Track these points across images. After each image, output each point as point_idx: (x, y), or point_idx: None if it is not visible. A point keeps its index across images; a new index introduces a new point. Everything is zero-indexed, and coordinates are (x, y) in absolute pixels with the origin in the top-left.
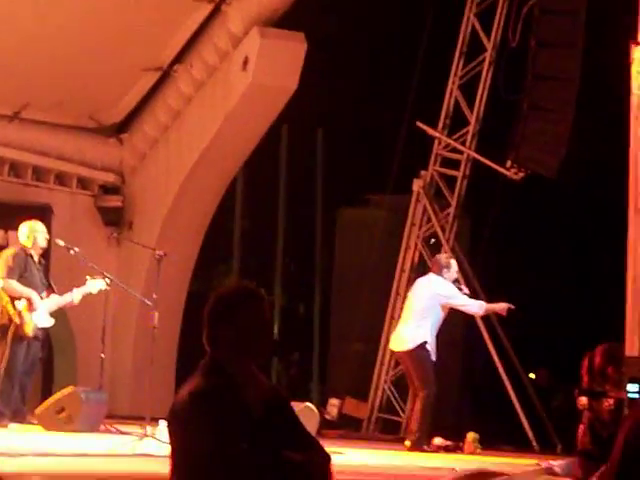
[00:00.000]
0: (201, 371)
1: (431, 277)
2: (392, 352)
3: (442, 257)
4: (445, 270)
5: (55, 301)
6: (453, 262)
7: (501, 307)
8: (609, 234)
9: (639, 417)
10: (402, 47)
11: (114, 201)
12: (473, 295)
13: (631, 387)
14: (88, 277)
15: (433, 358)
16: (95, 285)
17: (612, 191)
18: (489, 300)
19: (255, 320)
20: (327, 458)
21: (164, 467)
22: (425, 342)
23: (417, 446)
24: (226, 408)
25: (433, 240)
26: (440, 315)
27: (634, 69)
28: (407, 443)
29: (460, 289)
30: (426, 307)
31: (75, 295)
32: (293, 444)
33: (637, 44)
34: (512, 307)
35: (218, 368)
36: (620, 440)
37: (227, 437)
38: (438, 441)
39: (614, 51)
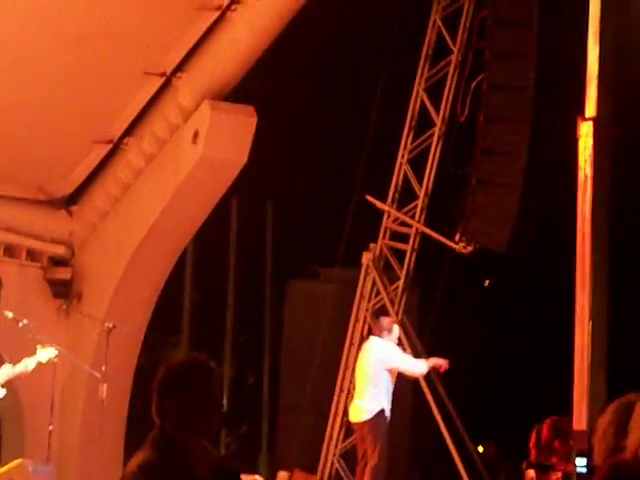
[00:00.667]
0: (150, 443)
1: (372, 341)
2: (350, 423)
3: (385, 320)
4: (386, 333)
5: (7, 371)
6: (396, 327)
7: (441, 361)
8: (557, 309)
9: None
10: (352, 121)
11: (63, 273)
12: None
13: (579, 461)
14: (39, 346)
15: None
16: (46, 353)
17: (560, 266)
18: (439, 373)
19: (204, 392)
20: None
21: None
22: (382, 410)
23: None
24: (175, 479)
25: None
26: (389, 378)
27: (581, 144)
28: None
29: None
30: (374, 374)
31: (29, 363)
32: None
33: (584, 120)
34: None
35: (167, 440)
36: None
37: None
38: None
39: (562, 127)
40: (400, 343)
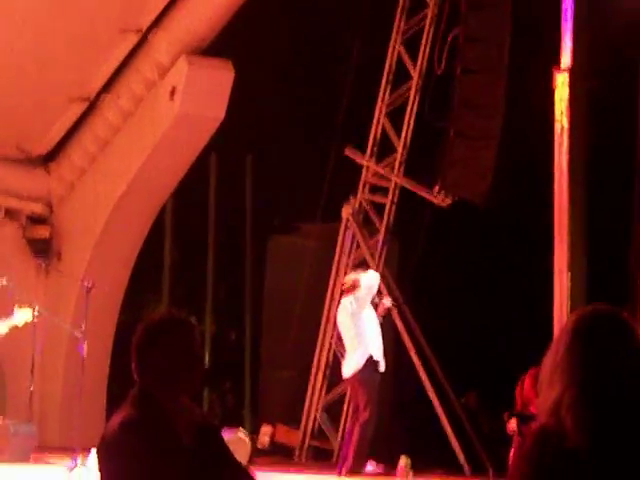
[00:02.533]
0: (130, 401)
1: (343, 301)
2: (335, 377)
3: (348, 278)
4: (351, 290)
5: None
6: (365, 278)
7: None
8: (536, 260)
9: (539, 432)
10: (330, 75)
11: (42, 231)
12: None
13: None
14: (16, 307)
15: (381, 369)
16: (21, 316)
17: (538, 216)
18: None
19: (184, 348)
20: None
21: None
22: (369, 357)
23: (352, 471)
24: (156, 437)
25: None
26: (365, 326)
27: (557, 96)
28: (343, 470)
29: (379, 304)
30: (350, 328)
31: (1, 327)
32: (223, 472)
33: (560, 71)
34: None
35: (147, 398)
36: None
37: (157, 466)
38: (369, 468)
39: (539, 78)
40: (379, 292)
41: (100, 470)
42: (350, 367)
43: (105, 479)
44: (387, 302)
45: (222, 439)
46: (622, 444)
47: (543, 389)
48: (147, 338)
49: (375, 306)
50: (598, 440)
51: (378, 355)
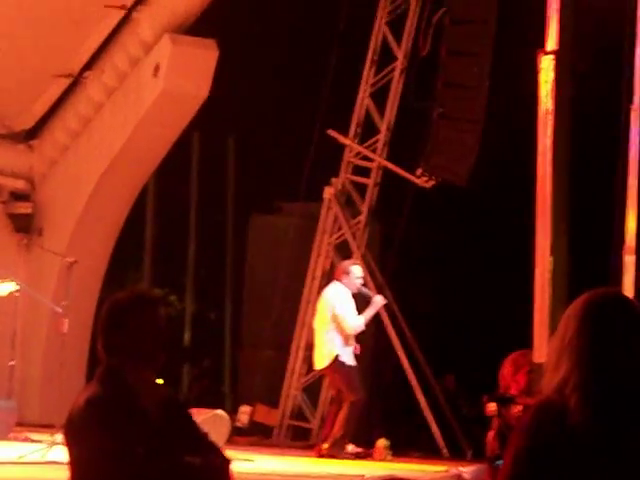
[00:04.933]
0: (97, 379)
1: (330, 286)
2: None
3: (344, 263)
4: (344, 276)
5: None
6: (354, 268)
7: (376, 305)
8: (518, 243)
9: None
10: (314, 55)
11: (24, 208)
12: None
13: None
14: None
15: (352, 363)
16: (3, 288)
17: (521, 198)
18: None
19: (148, 325)
20: (226, 461)
21: None
22: (337, 356)
23: (333, 450)
24: (122, 414)
25: None
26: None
27: (542, 78)
28: (325, 446)
29: (367, 294)
30: (327, 319)
31: None
32: (192, 448)
33: (544, 53)
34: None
35: (114, 375)
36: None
37: (124, 443)
38: (349, 448)
39: (523, 60)
40: (364, 283)
41: (68, 448)
42: (321, 360)
43: (73, 457)
44: (380, 300)
45: (190, 415)
46: (628, 426)
47: (548, 371)
48: (113, 316)
49: (366, 302)
50: (602, 420)
51: (347, 354)
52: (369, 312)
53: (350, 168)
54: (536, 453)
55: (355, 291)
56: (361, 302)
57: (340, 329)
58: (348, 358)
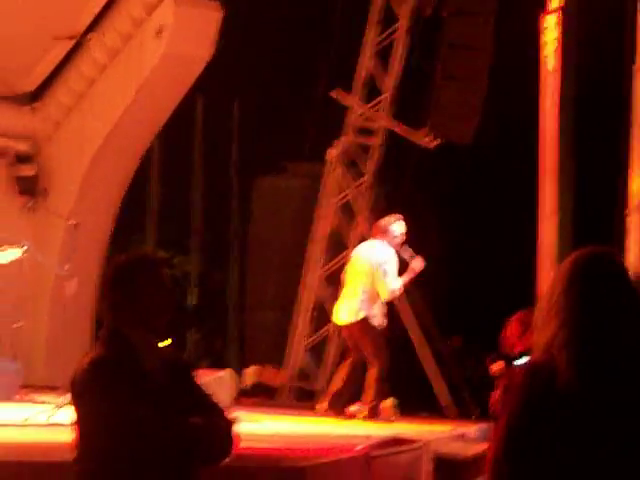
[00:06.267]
0: (101, 340)
1: (370, 243)
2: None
3: (383, 220)
4: (383, 235)
5: None
6: (394, 226)
7: (413, 269)
8: (523, 202)
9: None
10: (318, 16)
11: (28, 170)
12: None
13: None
14: (5, 246)
15: (380, 324)
16: (7, 254)
17: (526, 159)
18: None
19: (152, 286)
20: (230, 423)
21: None
22: (366, 317)
23: (372, 414)
24: (126, 375)
25: None
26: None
27: (545, 38)
28: (364, 413)
29: (407, 256)
30: (369, 277)
31: None
32: (196, 410)
33: (547, 13)
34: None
35: (117, 336)
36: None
37: (128, 404)
38: (354, 408)
39: (527, 19)
40: (405, 241)
41: (73, 409)
42: (349, 315)
43: (77, 418)
44: (418, 263)
45: (193, 375)
46: (612, 384)
47: (538, 329)
48: (117, 278)
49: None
50: (589, 379)
51: (378, 318)
52: (406, 277)
53: (354, 129)
54: (529, 411)
55: (396, 249)
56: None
57: (374, 290)
58: (377, 320)
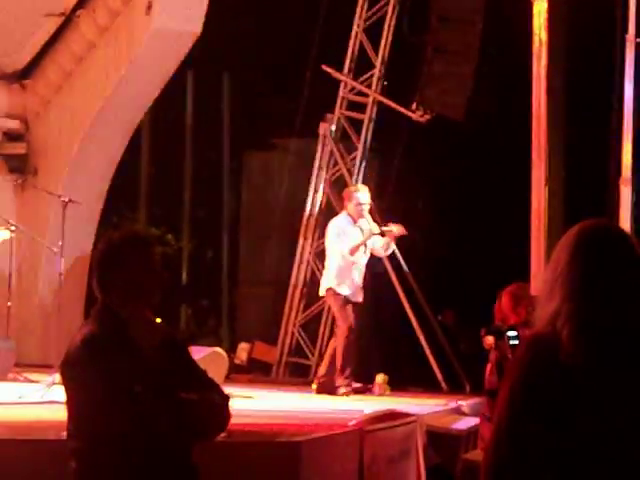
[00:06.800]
0: (93, 317)
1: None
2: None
3: (347, 189)
4: (347, 203)
5: None
6: (357, 194)
7: (366, 234)
8: (514, 175)
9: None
10: None
11: (18, 148)
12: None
13: (511, 333)
14: None
15: (346, 293)
16: None
17: (517, 132)
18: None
19: (144, 264)
20: (225, 398)
21: None
22: (330, 288)
23: (321, 389)
24: (119, 352)
25: None
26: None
27: (536, 9)
28: (313, 386)
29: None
30: (328, 250)
31: None
32: (189, 385)
33: None
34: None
35: (110, 313)
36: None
37: (121, 380)
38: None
39: None
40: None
41: (65, 386)
42: (321, 288)
43: (70, 395)
44: (395, 229)
45: (187, 352)
46: (618, 359)
47: (541, 302)
48: (108, 254)
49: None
50: (594, 352)
51: (342, 287)
52: (360, 241)
53: (345, 103)
54: (531, 385)
55: (359, 218)
56: None
57: (338, 259)
58: (343, 289)
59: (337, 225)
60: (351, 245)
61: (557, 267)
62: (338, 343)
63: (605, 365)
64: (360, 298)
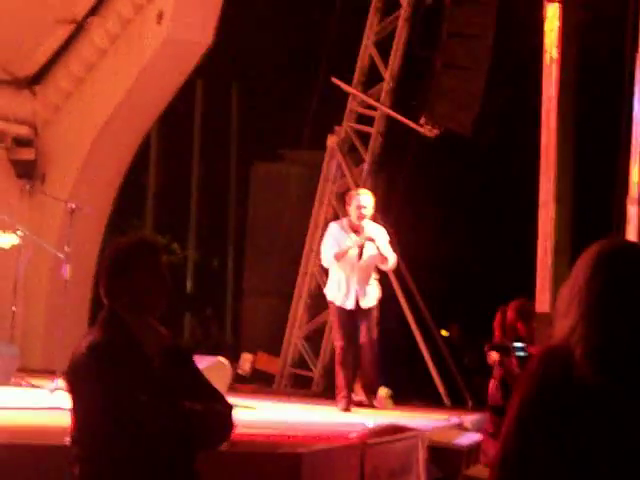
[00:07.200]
0: (99, 324)
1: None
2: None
3: (348, 193)
4: (348, 206)
5: None
6: (357, 198)
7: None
8: (521, 192)
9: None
10: (319, 1)
11: (27, 154)
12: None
13: (517, 346)
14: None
15: (344, 305)
16: (5, 240)
17: (525, 147)
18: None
19: (152, 271)
20: (229, 408)
21: None
22: (330, 301)
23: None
24: (124, 359)
25: None
26: (340, 266)
27: (547, 27)
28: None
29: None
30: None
31: None
32: (194, 395)
33: (550, 1)
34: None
35: (116, 320)
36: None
37: (126, 388)
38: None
39: (529, 8)
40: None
41: (70, 393)
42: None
43: (75, 403)
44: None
45: (192, 361)
46: (631, 379)
47: (558, 320)
48: (115, 261)
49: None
50: (604, 373)
51: (341, 300)
52: (344, 247)
53: (354, 116)
54: (542, 399)
55: (359, 220)
56: None
57: (332, 268)
58: (340, 300)
59: (330, 233)
60: (331, 251)
61: (575, 284)
62: (335, 360)
63: (618, 384)
64: (365, 304)
